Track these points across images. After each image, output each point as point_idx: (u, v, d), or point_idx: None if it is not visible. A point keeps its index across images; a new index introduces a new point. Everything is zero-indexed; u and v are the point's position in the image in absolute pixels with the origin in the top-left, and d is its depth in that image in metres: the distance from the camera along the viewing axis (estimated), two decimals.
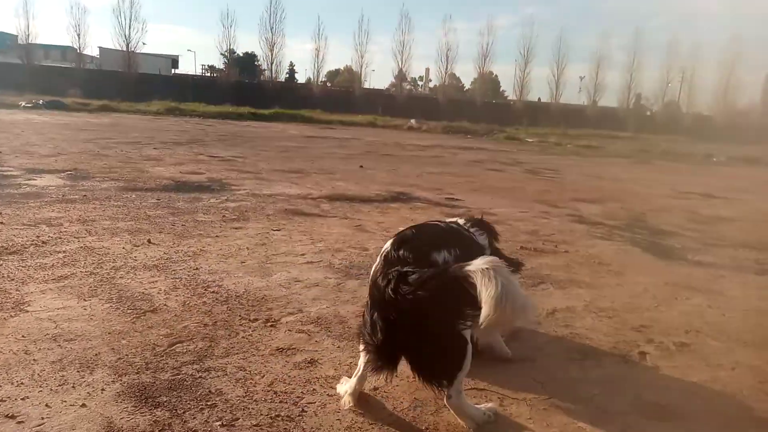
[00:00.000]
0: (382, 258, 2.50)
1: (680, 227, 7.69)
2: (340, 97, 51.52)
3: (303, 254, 4.90)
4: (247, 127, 25.45)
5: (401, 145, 20.99)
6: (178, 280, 3.96)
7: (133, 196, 7.08)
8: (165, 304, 3.51)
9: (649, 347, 3.38)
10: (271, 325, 3.30)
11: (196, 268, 4.27)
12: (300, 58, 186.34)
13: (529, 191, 10.44)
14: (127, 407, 2.37)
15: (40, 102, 30.28)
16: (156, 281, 3.92)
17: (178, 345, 2.97)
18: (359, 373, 2.49)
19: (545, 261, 5.32)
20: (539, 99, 60.69)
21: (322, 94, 51.09)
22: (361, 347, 2.45)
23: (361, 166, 12.45)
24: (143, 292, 3.70)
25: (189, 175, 9.23)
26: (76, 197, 6.71)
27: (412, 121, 38.03)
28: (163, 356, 2.84)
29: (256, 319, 3.37)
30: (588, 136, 34.53)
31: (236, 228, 5.71)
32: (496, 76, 73.58)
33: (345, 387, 2.55)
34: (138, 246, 4.78)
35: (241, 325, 3.28)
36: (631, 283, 4.78)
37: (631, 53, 55.05)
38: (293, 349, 3.02)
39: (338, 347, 3.08)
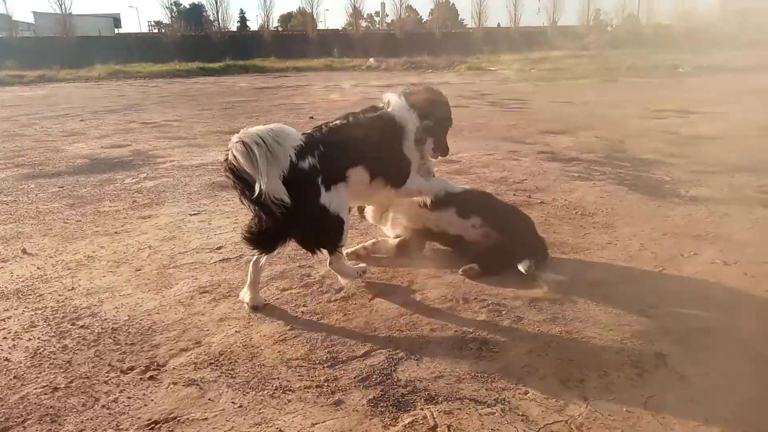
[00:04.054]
0: None
1: (663, 153, 6.88)
2: (295, 42, 48.91)
3: (219, 247, 3.92)
4: (194, 85, 23.72)
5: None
6: (39, 312, 2.97)
7: (32, 185, 5.95)
8: (7, 358, 2.54)
9: (665, 344, 2.53)
10: (151, 377, 2.36)
11: (72, 288, 3.27)
12: (251, 3, 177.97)
13: (495, 127, 9.48)
14: None
15: None
16: (9, 317, 2.93)
17: None
18: None
19: None
20: (498, 24, 58.80)
21: (274, 41, 48.40)
22: None
23: (312, 117, 11.30)
24: None
25: (110, 150, 8.06)
26: None
27: (371, 60, 36.31)
28: None
29: (132, 369, 2.42)
30: (551, 59, 33.30)
31: (144, 217, 4.69)
32: (453, 4, 71.07)
33: None
34: (6, 261, 3.75)
35: (107, 381, 2.34)
36: (624, 238, 3.93)
37: None
38: (173, 420, 2.10)
39: (240, 406, 2.16)
